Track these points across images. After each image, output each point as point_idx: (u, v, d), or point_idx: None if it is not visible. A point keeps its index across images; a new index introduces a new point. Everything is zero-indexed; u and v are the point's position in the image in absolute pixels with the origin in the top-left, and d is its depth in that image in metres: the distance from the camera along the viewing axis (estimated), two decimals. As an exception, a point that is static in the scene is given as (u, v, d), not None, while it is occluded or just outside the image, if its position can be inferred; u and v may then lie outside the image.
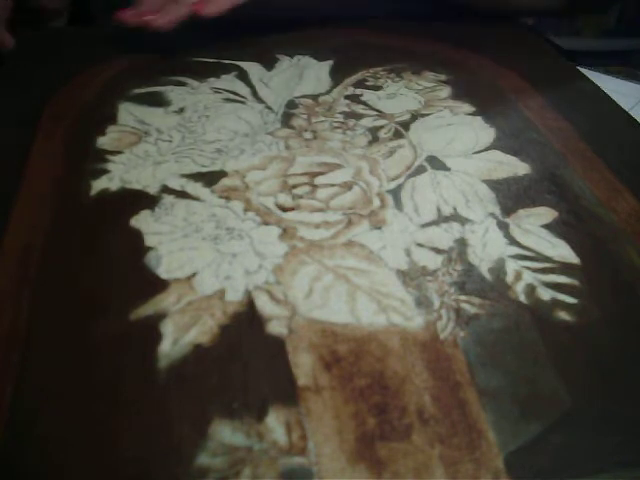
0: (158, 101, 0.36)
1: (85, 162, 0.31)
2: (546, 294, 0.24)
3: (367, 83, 0.39)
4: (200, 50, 0.42)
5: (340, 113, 0.36)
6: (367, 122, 0.35)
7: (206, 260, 0.25)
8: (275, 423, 0.19)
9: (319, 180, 0.30)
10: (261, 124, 0.34)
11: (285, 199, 0.28)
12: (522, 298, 0.24)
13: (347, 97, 0.37)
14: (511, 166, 0.32)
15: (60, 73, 0.39)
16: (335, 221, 0.27)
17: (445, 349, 0.22)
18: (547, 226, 0.28)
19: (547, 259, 0.26)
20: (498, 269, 0.25)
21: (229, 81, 0.39)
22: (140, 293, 0.23)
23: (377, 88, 0.39)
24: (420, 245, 0.26)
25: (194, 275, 0.24)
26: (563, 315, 0.23)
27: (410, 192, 0.29)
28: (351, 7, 0.49)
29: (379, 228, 0.27)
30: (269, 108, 0.36)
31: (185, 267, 0.24)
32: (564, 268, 0.25)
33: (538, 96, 0.38)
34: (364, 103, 0.37)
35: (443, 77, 0.40)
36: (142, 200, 0.28)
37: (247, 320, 0.22)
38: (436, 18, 0.46)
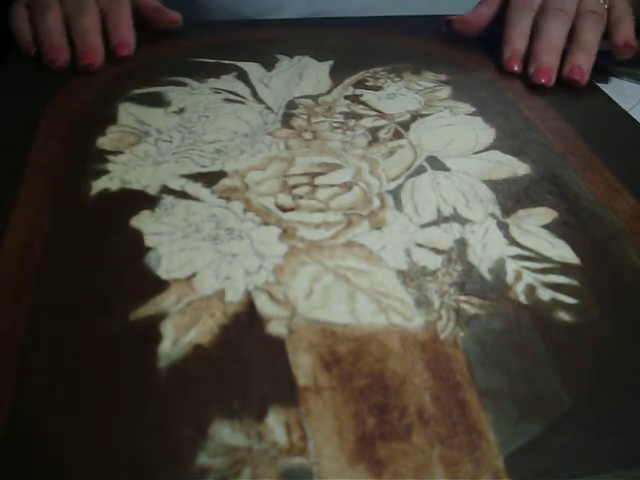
0: (158, 101, 0.36)
1: (85, 162, 0.31)
2: (546, 294, 0.24)
3: (367, 83, 0.39)
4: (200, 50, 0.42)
5: (340, 113, 0.36)
6: (367, 122, 0.35)
7: (206, 260, 0.25)
8: (275, 423, 0.19)
9: (319, 180, 0.30)
10: (261, 124, 0.34)
11: (285, 199, 0.28)
12: (522, 298, 0.24)
13: (347, 97, 0.37)
14: (511, 166, 0.32)
15: (60, 73, 0.39)
16: (335, 221, 0.27)
17: (445, 349, 0.22)
18: (547, 226, 0.28)
19: (547, 259, 0.26)
20: (498, 269, 0.25)
21: (229, 81, 0.39)
22: (140, 293, 0.23)
23: (377, 88, 0.39)
24: (420, 245, 0.26)
25: (194, 275, 0.24)
26: (563, 315, 0.23)
27: (410, 192, 0.29)
28: None
29: (379, 228, 0.27)
30: (269, 108, 0.36)
31: (185, 267, 0.24)
32: (564, 268, 0.25)
33: (538, 96, 0.39)
34: (364, 103, 0.37)
35: (443, 77, 0.40)
36: (142, 200, 0.28)
37: (247, 320, 0.22)
38: (436, 18, 0.47)
